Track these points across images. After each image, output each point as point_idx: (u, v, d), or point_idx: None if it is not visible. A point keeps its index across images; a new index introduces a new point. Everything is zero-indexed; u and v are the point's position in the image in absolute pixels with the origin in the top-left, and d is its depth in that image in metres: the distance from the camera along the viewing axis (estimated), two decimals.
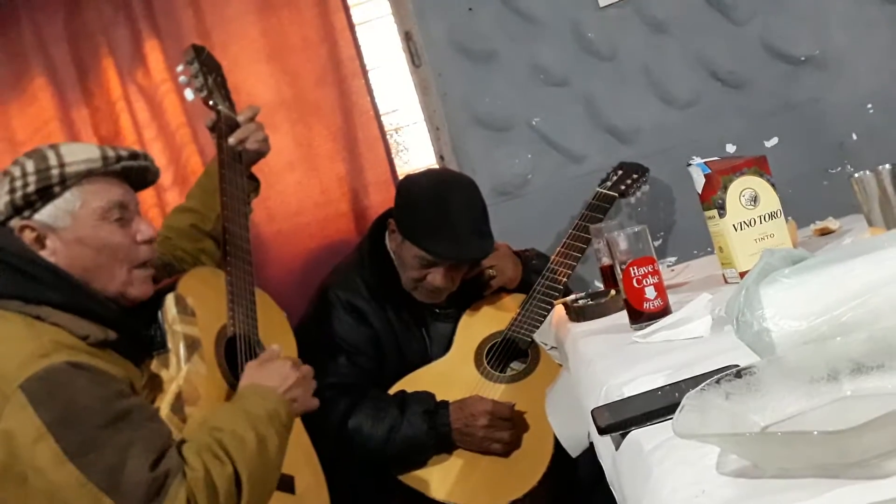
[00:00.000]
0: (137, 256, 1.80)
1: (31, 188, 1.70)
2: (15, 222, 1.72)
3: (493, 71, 2.84)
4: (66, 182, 1.72)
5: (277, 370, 1.85)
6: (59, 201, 1.72)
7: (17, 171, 1.72)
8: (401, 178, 2.82)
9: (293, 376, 1.85)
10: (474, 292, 2.50)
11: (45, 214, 1.72)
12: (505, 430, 2.34)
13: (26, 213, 1.71)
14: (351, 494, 2.31)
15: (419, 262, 2.37)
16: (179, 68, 2.12)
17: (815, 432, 0.72)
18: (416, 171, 2.53)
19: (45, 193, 1.71)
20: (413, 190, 2.40)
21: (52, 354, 1.57)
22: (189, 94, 2.11)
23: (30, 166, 1.72)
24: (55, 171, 1.72)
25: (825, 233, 2.09)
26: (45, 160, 1.73)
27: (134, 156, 1.84)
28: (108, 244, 1.76)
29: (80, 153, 1.75)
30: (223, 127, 2.07)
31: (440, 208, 2.34)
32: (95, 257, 1.74)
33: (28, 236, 1.71)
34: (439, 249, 2.34)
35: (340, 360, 2.38)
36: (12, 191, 1.71)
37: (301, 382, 1.88)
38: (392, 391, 2.40)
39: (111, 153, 1.79)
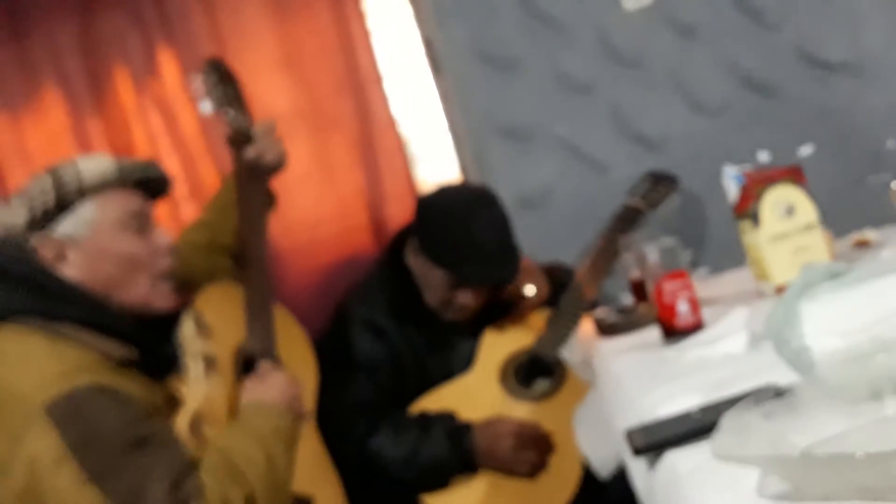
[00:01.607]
0: (159, 266, 1.81)
1: (49, 202, 1.72)
2: (35, 238, 1.73)
3: (515, 78, 2.78)
4: (83, 194, 1.74)
5: (274, 385, 1.84)
6: (78, 213, 1.74)
7: (35, 188, 1.74)
8: (420, 189, 2.79)
9: (291, 390, 1.85)
10: (500, 309, 2.45)
11: (64, 227, 1.73)
12: (531, 452, 2.29)
13: (46, 228, 1.73)
14: None
15: (448, 285, 2.34)
16: (197, 80, 2.12)
17: (860, 454, 0.70)
18: (432, 190, 2.47)
19: (64, 206, 1.73)
20: (433, 212, 2.37)
21: (75, 375, 1.59)
22: (206, 106, 2.11)
23: (47, 182, 1.74)
24: (73, 185, 1.73)
25: (863, 244, 2.05)
26: (62, 174, 1.75)
27: (148, 166, 1.86)
28: (129, 254, 1.77)
29: (97, 165, 1.78)
30: (240, 140, 2.06)
31: (465, 229, 2.31)
32: (117, 268, 1.76)
33: (49, 251, 1.72)
34: (469, 273, 2.32)
35: (360, 379, 2.34)
36: (31, 207, 1.73)
37: (298, 398, 1.87)
38: (414, 409, 2.35)
39: (127, 164, 1.81)
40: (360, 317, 2.39)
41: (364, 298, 2.43)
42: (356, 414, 2.29)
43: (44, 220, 1.72)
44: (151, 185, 1.86)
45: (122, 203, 1.78)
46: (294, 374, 1.92)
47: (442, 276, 2.33)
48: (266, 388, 1.83)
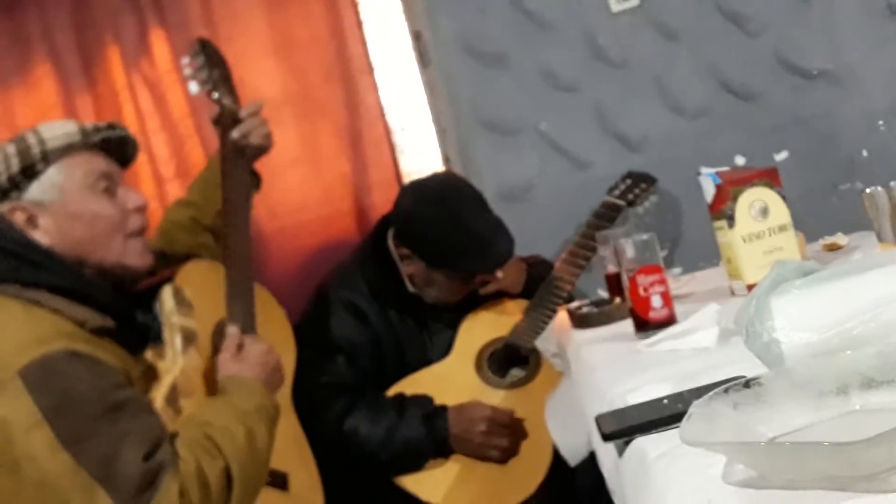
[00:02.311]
0: (130, 225, 1.83)
1: (14, 169, 1.73)
2: (4, 206, 1.74)
3: (502, 74, 2.81)
4: (48, 158, 1.75)
5: (255, 358, 1.85)
6: (45, 177, 1.75)
7: None
8: (404, 178, 2.83)
9: (272, 361, 1.87)
10: (475, 295, 2.48)
11: (32, 192, 1.75)
12: (503, 437, 2.32)
13: (14, 195, 1.74)
14: (345, 496, 2.28)
15: (461, 281, 2.39)
16: (185, 61, 2.13)
17: (826, 443, 0.71)
18: (407, 202, 2.43)
19: (30, 172, 1.74)
20: (423, 222, 2.37)
21: (50, 341, 1.59)
22: (193, 87, 2.12)
23: (11, 149, 1.75)
24: (36, 150, 1.74)
25: (834, 248, 2.08)
26: (25, 140, 1.76)
27: (111, 126, 1.86)
28: (100, 215, 1.79)
29: (59, 129, 1.79)
30: (226, 121, 2.08)
31: (461, 231, 2.34)
32: (89, 230, 1.77)
33: (19, 218, 1.74)
34: (481, 264, 2.37)
35: (339, 360, 2.36)
36: None
37: (279, 367, 1.90)
38: (390, 393, 2.38)
39: (89, 126, 1.82)
40: (341, 299, 2.41)
41: (345, 281, 2.45)
42: (334, 394, 2.31)
43: (11, 187, 1.74)
44: (118, 147, 1.87)
45: (87, 165, 1.79)
46: (270, 342, 1.93)
47: (453, 278, 2.38)
48: (247, 365, 1.83)
